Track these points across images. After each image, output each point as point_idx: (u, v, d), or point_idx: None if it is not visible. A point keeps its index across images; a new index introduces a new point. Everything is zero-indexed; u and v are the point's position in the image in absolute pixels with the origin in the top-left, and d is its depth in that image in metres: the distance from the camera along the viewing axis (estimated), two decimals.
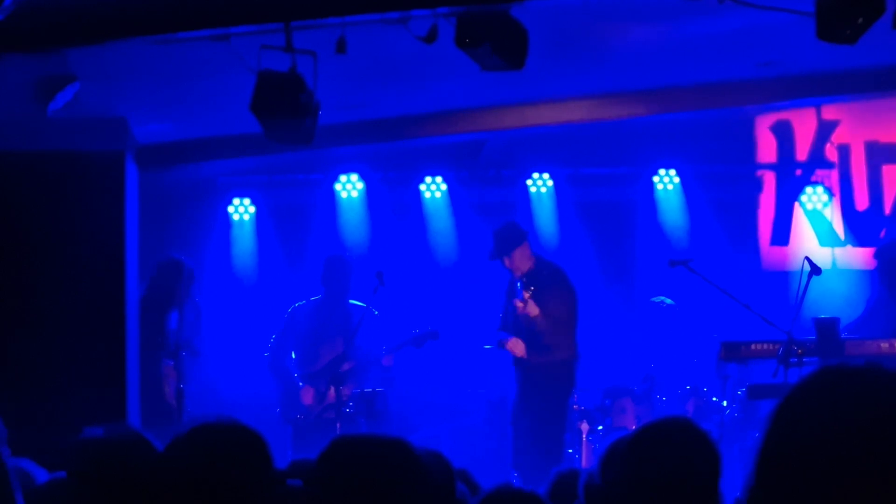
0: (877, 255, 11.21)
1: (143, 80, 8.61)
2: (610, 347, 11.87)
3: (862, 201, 12.41)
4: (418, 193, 12.36)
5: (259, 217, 12.35)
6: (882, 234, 12.11)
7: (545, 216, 12.35)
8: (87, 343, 9.00)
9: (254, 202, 12.34)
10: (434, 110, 10.79)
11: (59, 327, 8.95)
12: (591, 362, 11.14)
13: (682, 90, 10.57)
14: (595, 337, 11.46)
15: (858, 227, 12.36)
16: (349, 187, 12.30)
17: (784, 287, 11.41)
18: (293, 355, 10.85)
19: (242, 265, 12.32)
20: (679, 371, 11.20)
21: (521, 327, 10.02)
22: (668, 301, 11.47)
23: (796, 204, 12.41)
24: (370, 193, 12.30)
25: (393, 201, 12.32)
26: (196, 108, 9.71)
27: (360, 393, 10.38)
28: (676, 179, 12.36)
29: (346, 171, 12.24)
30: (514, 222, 10.23)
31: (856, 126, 12.38)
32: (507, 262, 10.03)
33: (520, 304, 9.85)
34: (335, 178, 12.28)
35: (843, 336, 9.72)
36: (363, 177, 12.27)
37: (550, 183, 12.39)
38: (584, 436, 10.57)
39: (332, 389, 10.29)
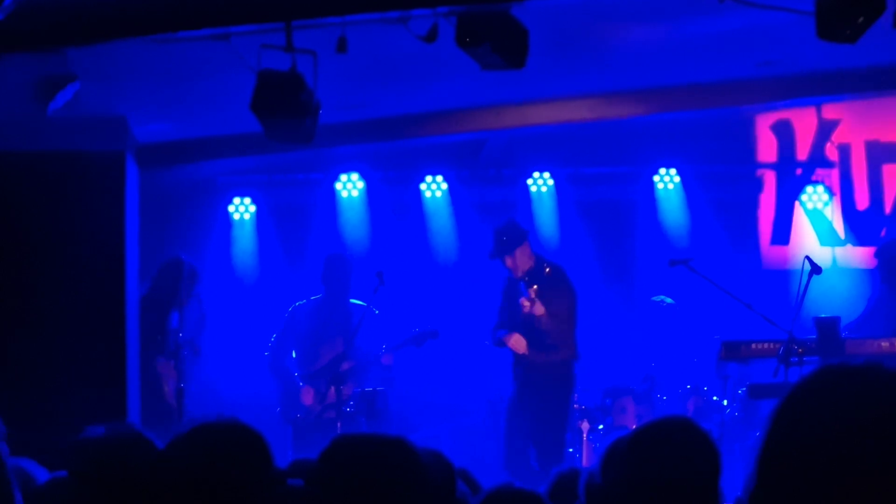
0: (877, 255, 11.22)
1: (143, 79, 8.60)
2: (610, 347, 11.86)
3: (862, 200, 12.41)
4: (419, 193, 12.36)
5: (259, 216, 12.35)
6: (882, 233, 12.11)
7: (545, 215, 12.35)
8: (88, 342, 9.00)
9: (254, 201, 12.34)
10: (434, 109, 10.79)
11: (59, 327, 8.95)
12: (592, 362, 11.14)
13: (682, 89, 10.57)
14: (595, 336, 11.46)
15: (859, 226, 12.36)
16: (349, 186, 12.29)
17: (784, 286, 11.41)
18: (293, 355, 10.85)
19: (243, 265, 12.32)
20: (679, 370, 11.20)
21: (522, 326, 10.00)
22: (668, 300, 11.47)
23: (797, 203, 12.41)
24: (370, 193, 12.30)
25: (393, 201, 12.31)
26: (196, 107, 9.71)
27: (360, 392, 10.37)
28: (677, 179, 12.36)
29: (347, 170, 12.24)
30: (514, 221, 10.22)
31: (856, 125, 12.38)
32: (508, 261, 10.02)
33: (526, 304, 9.83)
34: (335, 178, 12.28)
35: (843, 335, 9.71)
36: (363, 176, 12.27)
37: (551, 182, 12.38)
38: (584, 435, 10.57)
39: (333, 389, 10.29)
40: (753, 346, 9.71)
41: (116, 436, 4.26)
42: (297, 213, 12.37)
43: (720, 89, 10.56)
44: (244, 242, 12.35)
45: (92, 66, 7.93)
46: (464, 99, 10.43)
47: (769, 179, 12.60)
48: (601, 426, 10.78)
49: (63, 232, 9.08)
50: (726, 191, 12.38)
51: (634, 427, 3.87)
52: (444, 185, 12.33)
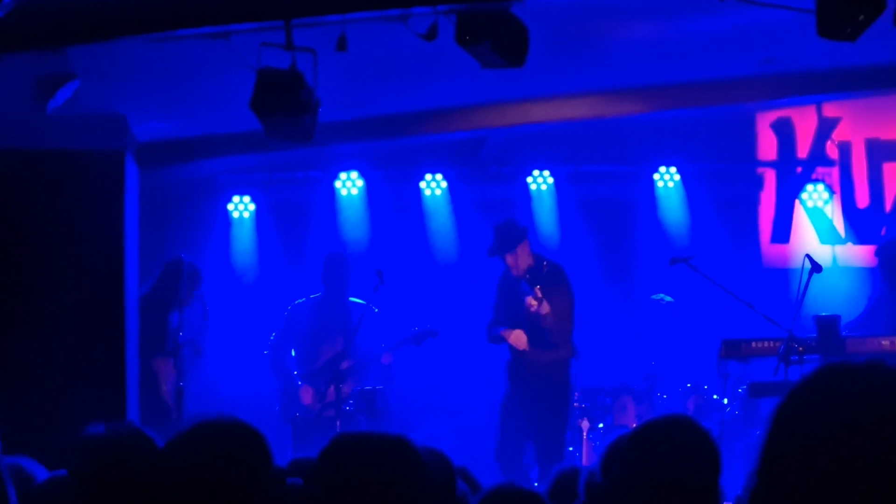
0: (878, 253, 11.22)
1: (142, 78, 8.60)
2: (611, 345, 11.86)
3: (863, 199, 12.40)
4: (418, 191, 12.36)
5: (259, 215, 12.35)
6: (883, 231, 12.10)
7: (545, 214, 12.35)
8: (87, 341, 8.99)
9: (254, 200, 12.33)
10: (434, 107, 10.78)
11: (58, 326, 8.94)
12: (593, 360, 11.14)
13: (682, 87, 10.57)
14: (596, 335, 11.46)
15: (859, 224, 12.35)
16: (349, 185, 12.29)
17: (785, 285, 11.41)
18: (293, 353, 10.84)
19: (242, 263, 12.31)
20: (680, 369, 11.20)
21: (527, 325, 9.98)
22: (668, 298, 11.47)
23: (797, 201, 12.41)
24: (370, 191, 12.29)
25: (393, 199, 12.31)
26: (196, 106, 9.70)
27: (360, 391, 10.37)
28: (677, 177, 12.36)
29: (347, 168, 12.23)
30: (514, 219, 10.21)
31: (856, 123, 12.38)
32: (508, 259, 10.01)
33: (533, 302, 9.81)
34: (335, 176, 12.28)
35: (843, 334, 9.71)
36: (363, 174, 12.27)
37: (551, 180, 12.38)
38: (584, 434, 10.57)
39: (332, 388, 10.28)
40: (754, 344, 9.71)
41: (116, 434, 4.26)
42: (297, 212, 12.36)
43: (720, 87, 10.56)
44: (244, 241, 12.34)
45: (92, 65, 7.93)
46: (464, 97, 10.42)
47: (769, 178, 12.59)
48: (601, 425, 10.78)
49: (62, 230, 9.07)
50: (727, 189, 12.38)
51: (635, 426, 3.87)
52: (444, 184, 12.33)
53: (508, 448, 10.04)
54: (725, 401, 10.68)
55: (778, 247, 12.46)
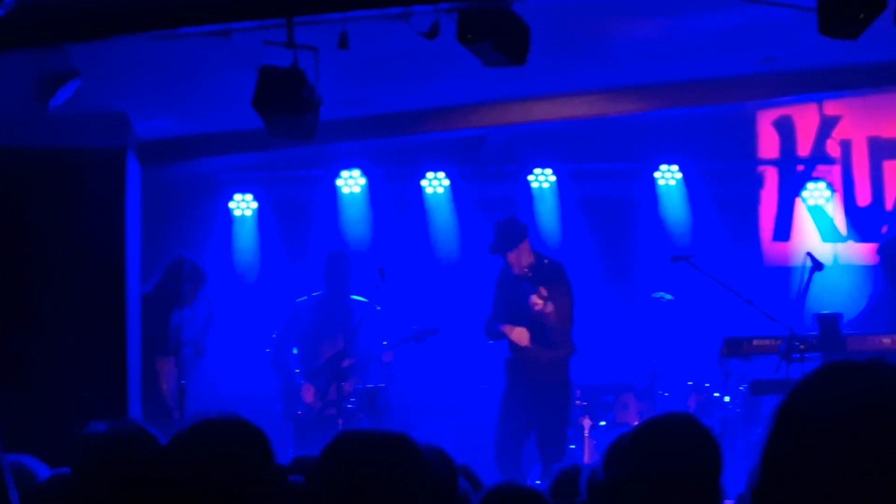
0: (879, 251, 11.23)
1: (144, 75, 8.60)
2: (612, 343, 11.86)
3: (864, 197, 12.40)
4: (420, 189, 12.36)
5: (261, 213, 12.35)
6: (884, 229, 12.10)
7: (547, 212, 12.35)
8: (88, 339, 8.99)
9: (255, 198, 12.33)
10: (436, 106, 10.78)
11: (59, 323, 8.94)
12: (594, 358, 11.14)
13: (683, 86, 10.56)
14: (597, 332, 11.46)
15: (860, 222, 12.35)
16: (351, 183, 12.29)
17: (786, 283, 11.41)
18: (294, 351, 10.84)
19: (244, 261, 12.31)
20: (681, 367, 11.20)
21: (531, 323, 9.96)
22: (668, 296, 11.47)
23: (798, 199, 12.41)
24: (372, 189, 12.30)
25: (395, 197, 12.31)
26: (198, 104, 9.70)
27: (361, 389, 10.36)
28: (678, 175, 12.36)
29: (348, 166, 12.23)
30: (514, 217, 10.20)
31: (858, 121, 12.38)
32: (509, 256, 10.01)
33: (539, 302, 9.80)
34: (337, 174, 12.28)
35: (844, 332, 9.71)
36: (365, 172, 12.27)
37: (552, 179, 12.38)
38: (586, 431, 10.57)
39: (333, 386, 10.28)
40: (755, 342, 9.72)
41: (118, 431, 4.26)
42: (299, 210, 12.36)
43: (722, 85, 10.55)
44: (245, 239, 12.34)
45: (93, 63, 7.93)
46: (465, 95, 10.42)
47: (770, 176, 12.59)
48: (603, 423, 10.78)
49: (64, 228, 9.07)
50: (728, 187, 12.37)
51: (636, 423, 3.86)
52: (446, 182, 12.33)
53: (507, 446, 10.02)
54: (727, 398, 10.68)
55: (779, 245, 12.46)
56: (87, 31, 7.15)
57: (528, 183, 12.39)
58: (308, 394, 10.61)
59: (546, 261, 10.12)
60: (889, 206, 12.33)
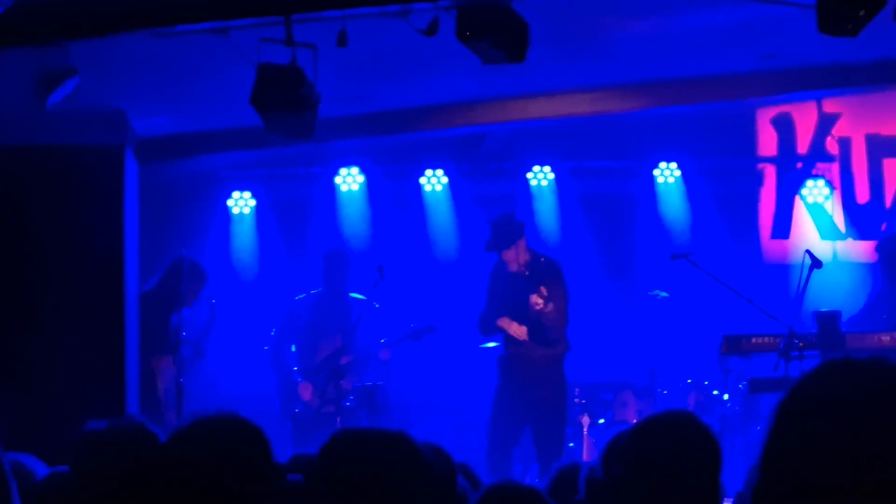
0: (878, 249, 11.22)
1: (142, 73, 8.59)
2: (611, 341, 11.86)
3: (863, 194, 12.40)
4: (419, 187, 12.35)
5: (259, 211, 12.34)
6: (883, 227, 12.10)
7: (546, 209, 12.34)
8: (86, 337, 8.98)
9: (254, 196, 12.32)
10: (435, 103, 10.77)
11: (58, 321, 8.94)
12: (593, 356, 11.14)
13: (682, 83, 10.56)
14: (596, 330, 11.45)
15: (859, 220, 12.35)
16: (349, 181, 12.28)
17: (785, 280, 11.41)
18: (293, 349, 10.84)
19: (242, 259, 12.30)
20: (680, 365, 11.20)
21: (531, 322, 9.94)
22: (663, 294, 11.46)
23: (797, 197, 12.40)
24: (371, 187, 12.29)
25: (393, 195, 12.30)
26: (196, 101, 9.70)
27: (360, 387, 10.36)
28: (677, 173, 12.35)
29: (347, 164, 12.22)
30: (510, 214, 10.17)
31: (857, 119, 12.37)
32: (506, 254, 9.98)
33: (539, 301, 9.77)
34: (335, 172, 12.27)
35: (844, 329, 9.71)
36: (364, 170, 12.26)
37: (551, 176, 12.38)
38: (585, 429, 10.56)
39: (331, 384, 10.27)
40: (754, 340, 9.71)
41: (117, 429, 4.25)
42: (297, 208, 12.35)
43: (721, 83, 10.55)
44: (244, 237, 12.34)
45: (92, 60, 7.92)
46: (464, 93, 10.42)
47: (770, 173, 12.59)
48: (602, 420, 10.78)
49: (62, 226, 9.07)
50: (727, 185, 12.37)
51: (635, 421, 3.86)
52: (445, 179, 12.32)
53: (499, 444, 9.98)
54: (726, 396, 10.68)
55: (778, 242, 12.46)
56: (86, 29, 7.14)
57: (526, 180, 12.38)
58: (306, 392, 10.60)
59: (542, 259, 10.10)
60: (888, 203, 12.33)
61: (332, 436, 3.50)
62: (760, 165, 12.58)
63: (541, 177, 12.38)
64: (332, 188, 12.30)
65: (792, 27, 8.18)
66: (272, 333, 10.95)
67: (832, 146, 12.42)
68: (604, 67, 9.94)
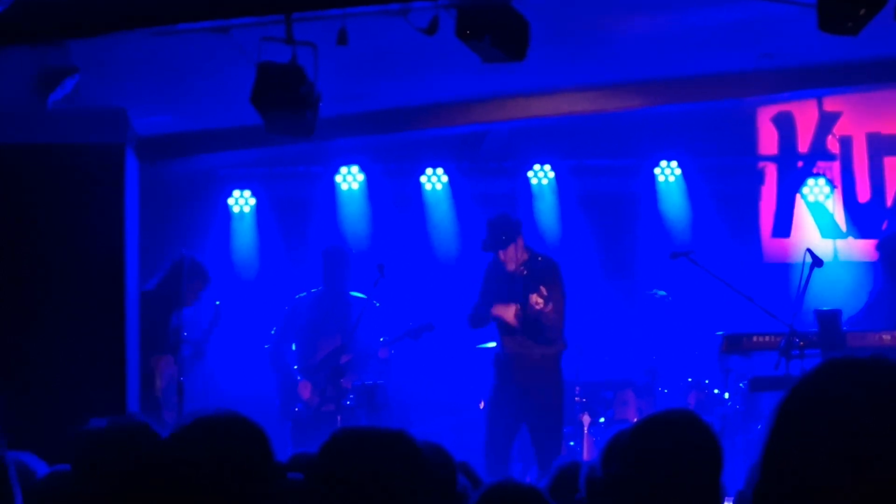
0: (879, 247, 11.22)
1: (143, 72, 8.59)
2: (612, 340, 11.86)
3: (864, 193, 12.40)
4: (419, 185, 12.35)
5: (259, 209, 12.34)
6: (884, 225, 12.11)
7: (546, 208, 12.34)
8: (87, 335, 8.97)
9: (254, 194, 12.33)
10: (435, 102, 10.77)
11: (58, 320, 8.93)
12: (593, 355, 11.13)
13: (683, 82, 10.56)
14: (597, 329, 11.45)
15: (860, 218, 12.35)
16: (350, 179, 12.28)
17: (786, 279, 11.41)
18: (293, 348, 10.83)
19: (243, 258, 12.30)
20: (681, 363, 11.19)
21: (532, 321, 9.92)
22: (661, 293, 11.46)
23: (798, 196, 12.41)
24: (371, 185, 12.29)
25: (394, 193, 12.30)
26: (196, 100, 9.69)
27: (360, 386, 10.35)
28: (678, 171, 12.35)
29: (347, 162, 12.22)
30: (507, 214, 10.14)
31: (857, 118, 12.37)
32: (503, 254, 9.96)
33: (540, 301, 9.76)
34: (336, 170, 12.27)
35: (844, 328, 9.70)
36: (364, 169, 12.26)
37: (552, 175, 12.38)
38: (585, 428, 10.56)
39: (331, 383, 10.27)
40: (755, 339, 9.71)
41: (118, 428, 4.25)
42: (298, 206, 12.35)
43: (721, 81, 10.54)
44: (244, 235, 12.34)
45: (92, 59, 7.92)
46: (464, 91, 10.41)
47: (770, 172, 12.59)
48: (602, 419, 10.78)
49: (62, 225, 9.06)
50: (727, 183, 12.37)
51: (636, 420, 3.86)
52: (445, 178, 12.32)
53: (497, 443, 9.96)
54: (727, 395, 10.68)
55: (779, 241, 12.46)
56: (87, 28, 7.14)
57: (527, 179, 12.38)
58: (306, 390, 10.60)
59: (540, 258, 10.08)
60: (889, 202, 12.33)
61: (332, 435, 3.50)
62: (761, 164, 12.59)
63: (541, 175, 12.38)
64: (333, 187, 12.30)
65: (792, 26, 8.17)
66: (272, 332, 10.95)
67: (833, 145, 12.42)
68: (604, 66, 9.94)
